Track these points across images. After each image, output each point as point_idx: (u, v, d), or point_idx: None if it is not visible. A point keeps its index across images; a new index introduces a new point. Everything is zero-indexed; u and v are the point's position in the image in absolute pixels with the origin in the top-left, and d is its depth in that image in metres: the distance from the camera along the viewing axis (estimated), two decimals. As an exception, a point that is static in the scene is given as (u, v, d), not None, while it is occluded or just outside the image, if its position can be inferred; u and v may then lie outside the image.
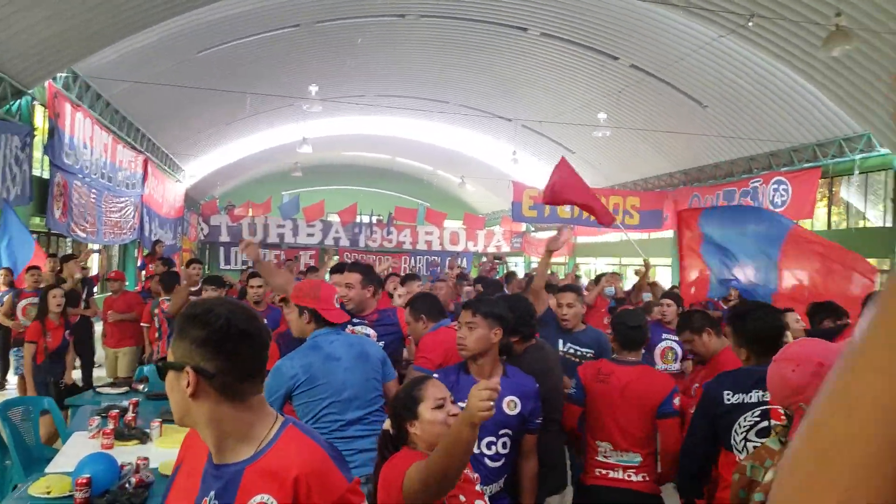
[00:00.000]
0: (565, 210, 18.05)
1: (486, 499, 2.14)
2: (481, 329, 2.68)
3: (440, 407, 2.06)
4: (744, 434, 2.47)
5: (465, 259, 25.87)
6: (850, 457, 0.44)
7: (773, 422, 2.42)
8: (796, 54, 12.68)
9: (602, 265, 27.28)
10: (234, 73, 16.06)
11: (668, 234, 21.05)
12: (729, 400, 2.50)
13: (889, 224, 14.47)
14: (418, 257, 26.05)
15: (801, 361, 1.76)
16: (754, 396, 2.48)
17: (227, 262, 24.14)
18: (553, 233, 6.78)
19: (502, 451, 2.66)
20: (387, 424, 2.15)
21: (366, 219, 27.03)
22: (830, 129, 14.78)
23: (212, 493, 1.38)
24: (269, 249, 24.00)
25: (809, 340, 1.94)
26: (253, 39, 14.73)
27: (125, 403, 4.27)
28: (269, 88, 17.01)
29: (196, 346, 1.36)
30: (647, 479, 3.09)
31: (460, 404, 2.57)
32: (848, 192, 15.90)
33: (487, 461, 2.63)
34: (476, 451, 2.58)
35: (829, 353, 1.74)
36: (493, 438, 2.63)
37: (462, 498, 1.98)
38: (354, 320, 4.04)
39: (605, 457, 3.11)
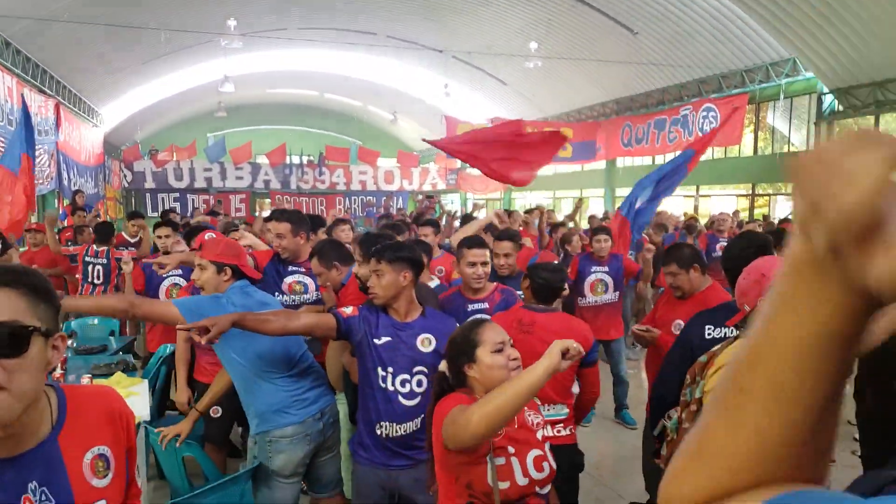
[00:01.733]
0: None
1: (547, 448, 2.08)
2: (389, 275, 2.68)
3: (499, 351, 2.02)
4: None
5: (400, 198, 25.59)
6: (725, 466, 0.54)
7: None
8: (726, -22, 12.68)
9: (537, 199, 27.52)
10: (147, 6, 14.92)
11: (602, 164, 21.31)
12: (710, 334, 2.57)
13: (812, 148, 14.95)
14: (353, 198, 25.56)
15: (751, 271, 2.08)
16: (734, 330, 2.51)
17: (154, 208, 23.09)
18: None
19: (417, 390, 2.65)
20: (443, 366, 2.13)
21: (296, 159, 26.20)
22: (758, 55, 15.00)
23: (32, 483, 1.21)
24: (198, 194, 23.09)
25: (772, 257, 2.18)
26: (162, -31, 13.64)
27: (52, 362, 3.98)
28: (184, 23, 15.91)
29: None
30: (572, 431, 3.04)
31: (383, 339, 2.66)
32: (774, 117, 16.33)
33: (402, 399, 2.64)
34: (390, 388, 2.63)
35: (776, 265, 1.88)
36: (406, 376, 2.64)
37: (511, 449, 1.97)
38: (290, 268, 4.01)
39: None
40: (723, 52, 15.47)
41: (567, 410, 3.02)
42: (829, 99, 14.28)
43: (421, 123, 29.65)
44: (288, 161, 25.21)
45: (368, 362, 2.68)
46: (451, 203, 32.57)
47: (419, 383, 2.65)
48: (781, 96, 14.99)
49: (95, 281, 6.62)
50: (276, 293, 3.83)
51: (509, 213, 10.77)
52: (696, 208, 17.98)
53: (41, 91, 14.84)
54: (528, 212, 8.39)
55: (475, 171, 27.60)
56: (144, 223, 7.31)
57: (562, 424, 2.99)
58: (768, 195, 17.04)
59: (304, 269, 3.99)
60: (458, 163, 27.19)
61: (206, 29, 16.03)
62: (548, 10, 16.93)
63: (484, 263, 3.53)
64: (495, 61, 20.22)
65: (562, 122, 20.30)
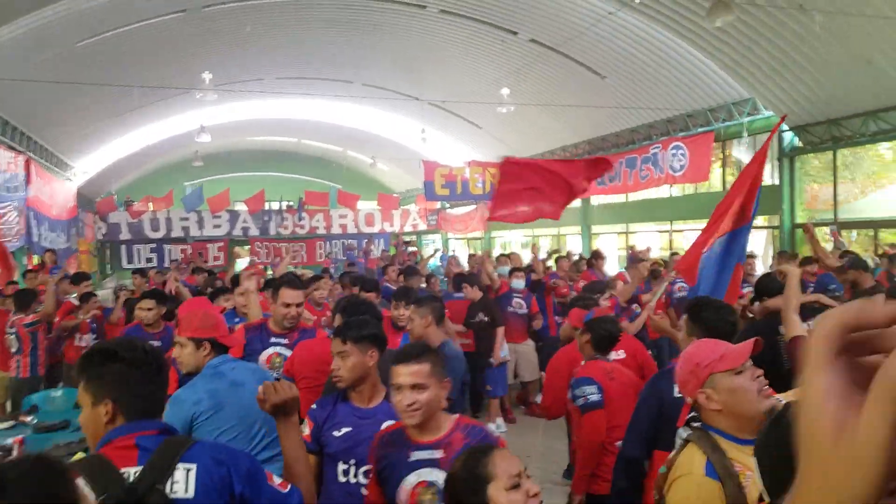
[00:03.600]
0: (477, 186, 18.17)
1: None
2: (355, 356, 2.54)
3: (516, 487, 1.69)
4: None
5: (382, 240, 25.67)
6: None
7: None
8: (686, 25, 13.11)
9: (517, 237, 27.73)
10: (119, 63, 15.12)
11: (577, 203, 21.57)
12: (678, 393, 2.43)
13: (776, 182, 15.33)
14: (333, 241, 25.59)
15: (686, 360, 1.93)
16: None
17: (130, 260, 22.98)
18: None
19: None
20: None
21: (275, 205, 26.30)
22: (721, 95, 15.44)
23: None
24: (175, 244, 23.03)
25: (706, 342, 2.02)
26: (135, 28, 13.86)
27: (8, 442, 3.93)
28: (158, 79, 16.12)
29: None
30: None
31: (343, 430, 2.51)
32: (739, 153, 16.73)
33: (363, 491, 2.46)
34: (352, 481, 2.49)
35: (711, 354, 1.87)
36: (370, 467, 2.46)
37: None
38: (273, 339, 3.84)
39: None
40: (687, 92, 15.91)
41: None
42: (789, 136, 14.68)
43: (400, 167, 29.98)
44: (267, 207, 25.28)
45: (327, 456, 2.53)
46: (433, 242, 32.77)
47: None
48: (745, 134, 15.39)
49: (12, 350, 6.39)
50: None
51: (508, 255, 10.90)
52: (670, 243, 18.26)
53: (10, 147, 14.89)
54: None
55: (456, 212, 27.92)
56: (48, 278, 7.05)
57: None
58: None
59: (287, 341, 3.81)
60: (437, 203, 27.39)
61: (180, 83, 16.26)
62: (519, 58, 17.36)
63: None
64: (469, 106, 20.60)
65: (536, 163, 20.59)
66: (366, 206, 26.88)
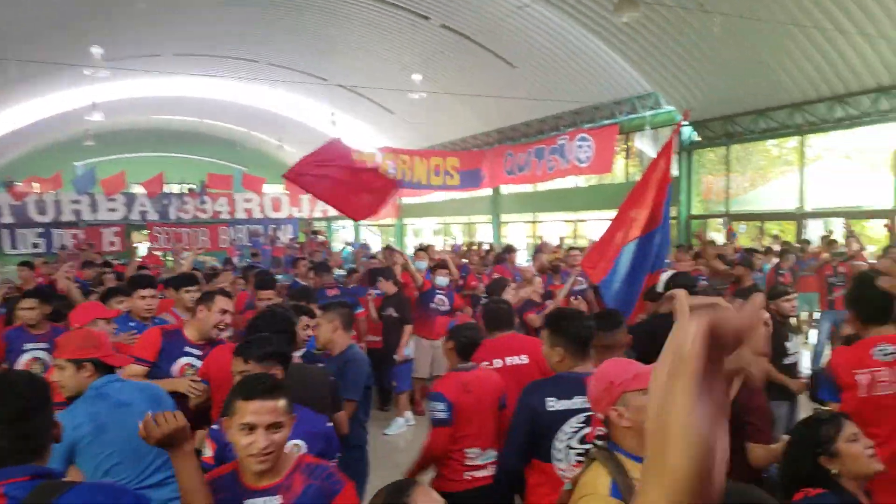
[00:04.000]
0: (389, 173, 17.97)
1: None
2: None
3: None
4: (566, 441, 2.46)
5: (290, 226, 25.02)
6: None
7: (596, 429, 2.45)
8: (595, 19, 13.43)
9: (428, 225, 27.78)
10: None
11: (488, 192, 21.81)
12: (552, 406, 2.48)
13: (676, 174, 16.03)
14: (238, 227, 24.72)
15: (600, 378, 1.93)
16: (577, 402, 2.47)
17: (14, 245, 21.34)
18: None
19: None
20: None
21: (175, 188, 25.09)
22: (625, 88, 15.95)
23: None
24: (66, 229, 21.58)
25: (619, 361, 2.03)
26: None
27: None
28: (38, 52, 14.91)
29: None
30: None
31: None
32: (641, 145, 17.36)
33: None
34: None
35: (624, 373, 1.89)
36: None
37: None
38: (186, 348, 3.59)
39: (471, 461, 3.19)
40: (594, 85, 16.33)
41: (495, 453, 3.24)
42: (688, 130, 15.38)
43: (309, 149, 29.18)
44: (166, 190, 24.08)
45: None
46: (344, 228, 32.27)
47: None
48: (647, 127, 15.99)
49: None
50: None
51: (425, 248, 10.72)
52: (575, 232, 18.78)
53: None
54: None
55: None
56: None
57: (492, 464, 3.22)
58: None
59: (201, 353, 3.54)
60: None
61: (67, 57, 15.10)
62: (431, 44, 17.25)
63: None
64: (381, 90, 20.35)
65: (448, 152, 20.61)
66: (272, 189, 26.11)
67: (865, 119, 12.25)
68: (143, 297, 4.44)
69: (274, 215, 24.92)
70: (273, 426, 1.97)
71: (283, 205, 25.59)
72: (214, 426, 2.53)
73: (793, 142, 14.15)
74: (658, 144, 16.73)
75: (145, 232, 23.20)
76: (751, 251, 7.61)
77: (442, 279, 7.26)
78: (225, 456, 2.41)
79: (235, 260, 16.00)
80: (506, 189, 21.48)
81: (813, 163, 14.46)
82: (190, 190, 24.91)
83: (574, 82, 16.53)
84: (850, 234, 9.11)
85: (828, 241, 8.72)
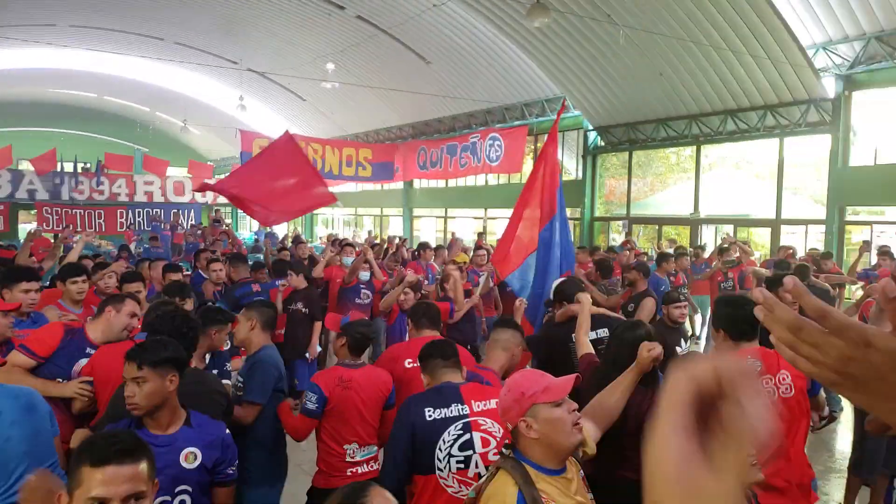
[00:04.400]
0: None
1: None
2: (152, 382, 2.31)
3: None
4: (448, 449, 2.47)
5: (192, 211, 24.10)
6: None
7: (474, 434, 2.48)
8: (508, 22, 13.68)
9: (339, 216, 27.48)
10: None
11: (400, 185, 21.83)
12: (431, 416, 2.49)
13: (580, 177, 16.62)
14: (137, 210, 23.51)
15: (511, 388, 1.94)
16: (454, 410, 2.51)
17: None
18: None
19: None
20: None
21: (69, 167, 23.62)
22: (535, 91, 16.35)
23: None
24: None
25: (531, 372, 2.06)
26: None
27: None
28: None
29: None
30: (378, 463, 3.29)
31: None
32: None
33: None
34: None
35: (535, 385, 1.92)
36: (167, 497, 2.29)
37: None
38: (88, 349, 3.33)
39: (351, 457, 3.21)
40: (506, 86, 16.65)
41: (376, 448, 3.28)
42: (593, 135, 15.96)
43: (215, 133, 28.28)
44: (59, 168, 22.62)
45: None
46: (242, 217, 31.35)
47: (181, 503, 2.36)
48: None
49: None
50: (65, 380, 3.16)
51: (351, 243, 10.42)
52: (484, 229, 19.09)
53: None
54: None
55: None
56: None
57: (373, 459, 3.28)
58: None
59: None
60: (255, 176, 26.19)
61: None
62: (346, 35, 17.05)
63: None
64: (293, 77, 19.94)
65: (361, 143, 20.46)
66: (175, 172, 25.06)
67: (754, 133, 13.11)
68: (27, 292, 3.94)
69: (176, 199, 23.84)
70: (132, 498, 1.64)
71: (187, 189, 24.50)
72: None
73: (690, 150, 14.95)
74: (567, 147, 17.27)
75: (33, 212, 21.74)
76: (665, 255, 7.93)
77: (364, 273, 7.16)
78: None
79: (133, 245, 15.27)
80: (418, 183, 21.57)
81: (707, 171, 15.35)
82: (85, 169, 23.50)
83: (486, 82, 16.79)
84: (732, 243, 9.72)
85: (720, 249, 9.28)
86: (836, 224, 12.08)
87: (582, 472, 1.99)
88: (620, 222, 15.87)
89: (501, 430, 2.40)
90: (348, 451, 3.20)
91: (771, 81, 12.18)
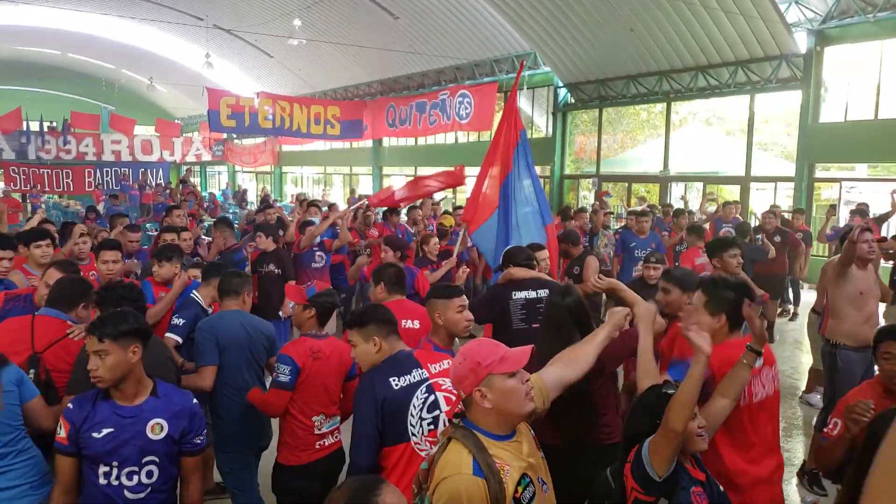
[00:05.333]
0: (267, 119, 17.28)
1: None
2: (115, 355, 2.31)
3: None
4: (418, 413, 2.49)
5: (161, 170, 23.62)
6: None
7: (438, 394, 2.51)
8: (474, -27, 13.23)
9: (308, 174, 27.08)
10: None
11: (369, 143, 21.46)
12: (398, 384, 2.50)
13: (550, 135, 16.36)
14: (105, 170, 23.00)
15: (467, 356, 1.92)
16: (416, 375, 2.54)
17: None
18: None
19: (146, 481, 2.38)
20: None
21: (35, 126, 22.96)
22: (505, 47, 15.96)
23: None
24: None
25: (486, 342, 2.02)
26: None
27: None
28: None
29: None
30: (340, 434, 3.29)
31: (104, 431, 2.31)
32: (520, 104, 17.53)
33: (127, 493, 2.34)
34: (113, 483, 2.34)
35: (491, 355, 1.90)
36: (135, 468, 2.34)
37: None
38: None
39: (318, 429, 3.18)
40: (475, 42, 16.24)
41: (339, 419, 3.27)
42: (563, 92, 15.64)
43: (182, 91, 27.54)
44: (25, 128, 22.03)
45: (86, 458, 2.32)
46: (219, 174, 30.88)
47: (149, 474, 2.37)
48: (525, 87, 16.12)
49: None
50: None
51: (316, 202, 10.18)
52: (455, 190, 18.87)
53: None
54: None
55: (244, 143, 26.42)
56: None
57: (337, 430, 3.27)
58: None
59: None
60: (224, 134, 25.64)
61: None
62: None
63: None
64: (260, 35, 19.36)
65: (329, 101, 19.99)
66: (143, 131, 24.48)
67: (725, 89, 12.91)
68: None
69: (144, 158, 23.35)
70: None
71: (154, 148, 24.01)
72: (70, 405, 2.38)
73: (660, 107, 14.72)
74: (537, 104, 16.96)
75: (0, 171, 21.24)
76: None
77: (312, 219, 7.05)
78: (79, 437, 2.31)
79: (101, 207, 14.90)
80: (387, 141, 21.21)
81: (678, 128, 15.15)
82: (51, 128, 22.88)
83: (455, 38, 16.36)
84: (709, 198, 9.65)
85: (676, 212, 9.13)
86: (806, 181, 12.00)
87: (533, 432, 2.04)
88: (590, 180, 15.70)
89: None
90: (316, 424, 3.15)
91: (742, 37, 11.92)
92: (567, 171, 16.39)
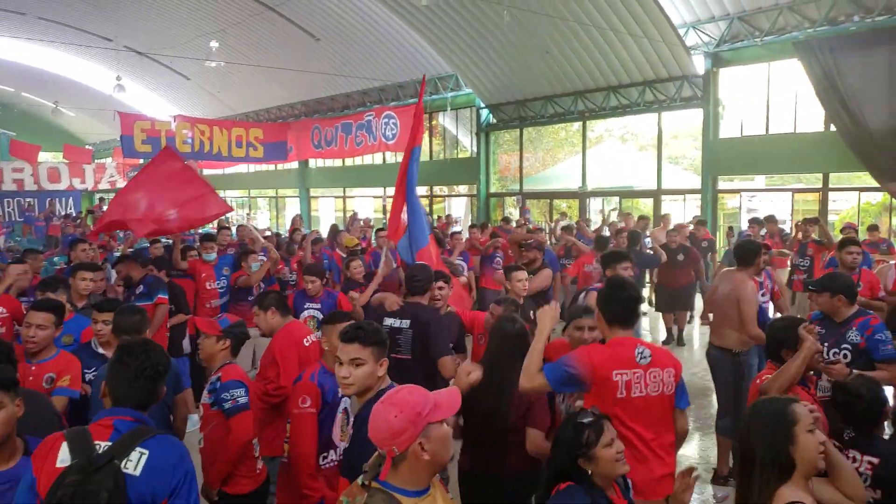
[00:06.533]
0: (186, 144, 16.97)
1: None
2: (6, 409, 2.17)
3: None
4: None
5: (71, 199, 22.67)
6: None
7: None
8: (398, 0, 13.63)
9: (231, 197, 26.62)
10: None
11: (295, 165, 21.40)
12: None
13: (475, 154, 16.92)
14: (7, 200, 21.81)
15: (405, 408, 1.75)
16: None
17: None
18: None
19: None
20: None
21: (-76, 154, 21.59)
22: (428, 69, 16.42)
23: None
24: None
25: (414, 389, 1.85)
26: None
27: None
28: None
29: None
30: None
31: None
32: (445, 125, 18.06)
33: None
34: None
35: (425, 402, 1.78)
36: None
37: None
38: None
39: (256, 452, 3.26)
40: (398, 64, 16.63)
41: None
42: (485, 112, 16.26)
43: (92, 115, 26.51)
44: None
45: None
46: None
47: None
48: (448, 107, 16.65)
49: None
50: None
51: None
52: (384, 208, 19.13)
53: None
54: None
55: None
56: None
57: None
58: (444, 196, 18.91)
59: None
60: (140, 159, 24.84)
61: None
62: (231, 11, 16.42)
63: None
64: (177, 55, 19.00)
65: (252, 123, 19.86)
66: (49, 158, 23.40)
67: (635, 108, 13.80)
68: None
69: (51, 187, 22.24)
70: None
71: (63, 175, 22.91)
72: None
73: (577, 126, 15.54)
74: (461, 124, 17.51)
75: None
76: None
77: (255, 264, 6.71)
78: None
79: (1, 239, 14.21)
80: (314, 163, 21.23)
81: (595, 145, 16.02)
82: (-58, 157, 21.55)
83: (378, 59, 16.70)
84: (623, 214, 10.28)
85: (565, 227, 9.70)
86: (710, 192, 12.98)
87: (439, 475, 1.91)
88: (515, 198, 16.34)
89: None
90: (256, 446, 3.22)
91: (648, 59, 12.82)
92: (493, 190, 16.97)
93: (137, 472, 1.96)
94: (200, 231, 11.82)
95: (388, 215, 6.48)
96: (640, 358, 2.71)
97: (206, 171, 25.15)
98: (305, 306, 5.48)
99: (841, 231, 8.77)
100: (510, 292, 4.75)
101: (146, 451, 1.99)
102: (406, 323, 3.91)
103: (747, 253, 4.70)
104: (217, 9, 16.61)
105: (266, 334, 3.88)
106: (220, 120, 18.50)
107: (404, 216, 5.88)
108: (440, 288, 4.42)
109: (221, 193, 26.49)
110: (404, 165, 5.97)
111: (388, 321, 3.93)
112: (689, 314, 9.29)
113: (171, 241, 9.26)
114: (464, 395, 2.21)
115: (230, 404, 3.06)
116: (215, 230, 9.78)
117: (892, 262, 7.63)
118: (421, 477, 1.76)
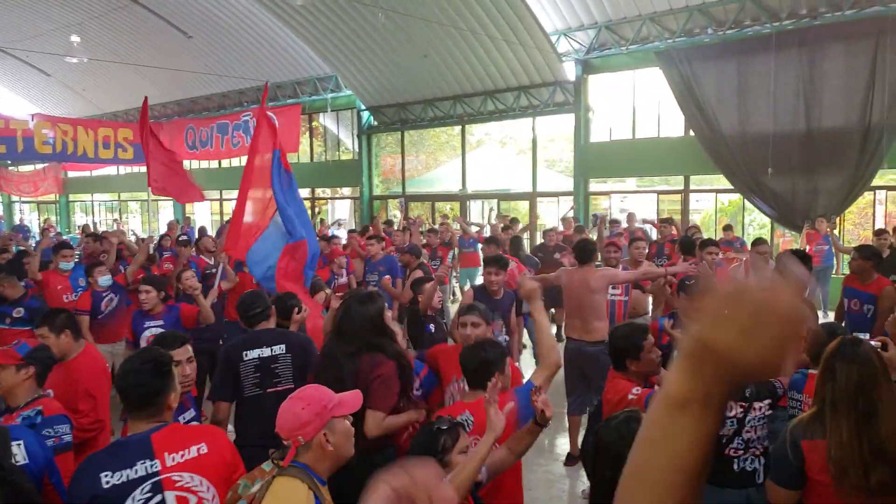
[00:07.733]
0: (46, 144, 15.80)
1: None
2: None
3: None
4: None
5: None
6: None
7: (167, 494, 2.02)
8: (273, -1, 13.28)
9: (100, 201, 25.02)
10: None
11: (167, 167, 20.36)
12: (109, 482, 1.99)
13: (356, 157, 16.77)
14: None
15: (312, 402, 1.95)
16: (139, 469, 2.03)
17: None
18: None
19: None
20: None
21: None
22: (307, 70, 16.13)
23: None
24: None
25: (319, 387, 2.06)
26: None
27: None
28: None
29: None
30: None
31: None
32: (326, 126, 17.78)
33: None
34: None
35: (330, 398, 1.99)
36: None
37: None
38: None
39: None
40: (275, 64, 16.22)
41: None
42: (367, 115, 16.15)
43: (-63, 112, 24.15)
44: None
45: None
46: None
47: None
48: (328, 109, 16.41)
49: None
50: None
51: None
52: (264, 211, 18.56)
53: None
54: None
55: (21, 169, 23.73)
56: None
57: None
58: (327, 199, 18.59)
59: None
60: (-6, 161, 22.86)
61: None
62: (90, 3, 15.43)
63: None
64: (33, 49, 17.63)
65: (120, 123, 18.74)
66: None
67: (511, 113, 14.13)
68: None
69: None
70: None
71: None
72: None
73: (457, 129, 15.73)
74: (342, 126, 17.30)
75: None
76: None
77: (105, 279, 6.27)
78: None
79: None
80: (189, 164, 20.30)
81: (475, 149, 16.29)
82: None
83: (255, 59, 16.22)
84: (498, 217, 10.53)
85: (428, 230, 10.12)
86: (582, 195, 13.49)
87: None
88: (398, 200, 16.32)
89: (207, 484, 2.10)
90: None
91: (522, 65, 13.17)
92: (376, 192, 16.87)
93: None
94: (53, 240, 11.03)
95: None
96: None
97: (71, 174, 23.61)
98: (145, 325, 4.79)
99: (687, 231, 9.34)
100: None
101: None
102: (280, 348, 3.51)
103: (585, 251, 5.17)
104: (74, 0, 15.56)
105: (58, 358, 3.29)
106: (85, 119, 17.33)
107: (249, 218, 5.72)
108: (496, 273, 4.75)
109: (87, 197, 24.97)
110: (255, 174, 5.77)
111: (255, 352, 3.47)
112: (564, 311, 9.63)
113: (24, 249, 8.56)
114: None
115: (53, 442, 2.67)
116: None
117: (744, 258, 8.24)
118: (330, 467, 1.95)
